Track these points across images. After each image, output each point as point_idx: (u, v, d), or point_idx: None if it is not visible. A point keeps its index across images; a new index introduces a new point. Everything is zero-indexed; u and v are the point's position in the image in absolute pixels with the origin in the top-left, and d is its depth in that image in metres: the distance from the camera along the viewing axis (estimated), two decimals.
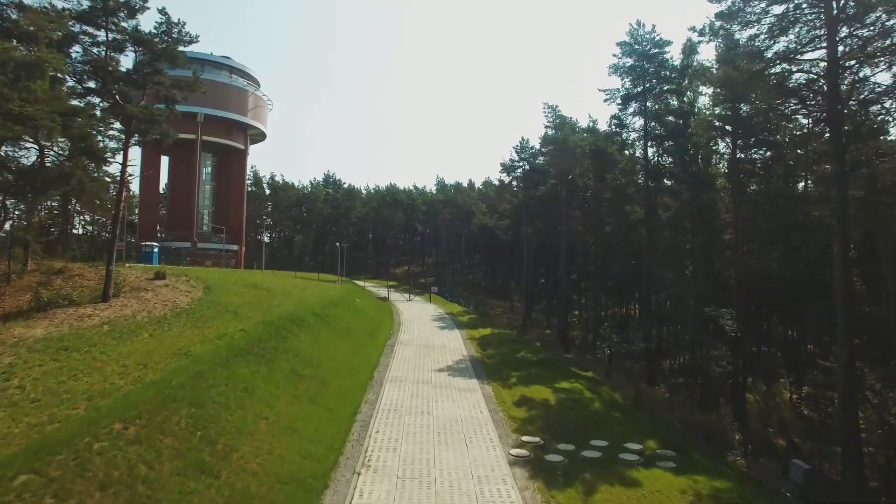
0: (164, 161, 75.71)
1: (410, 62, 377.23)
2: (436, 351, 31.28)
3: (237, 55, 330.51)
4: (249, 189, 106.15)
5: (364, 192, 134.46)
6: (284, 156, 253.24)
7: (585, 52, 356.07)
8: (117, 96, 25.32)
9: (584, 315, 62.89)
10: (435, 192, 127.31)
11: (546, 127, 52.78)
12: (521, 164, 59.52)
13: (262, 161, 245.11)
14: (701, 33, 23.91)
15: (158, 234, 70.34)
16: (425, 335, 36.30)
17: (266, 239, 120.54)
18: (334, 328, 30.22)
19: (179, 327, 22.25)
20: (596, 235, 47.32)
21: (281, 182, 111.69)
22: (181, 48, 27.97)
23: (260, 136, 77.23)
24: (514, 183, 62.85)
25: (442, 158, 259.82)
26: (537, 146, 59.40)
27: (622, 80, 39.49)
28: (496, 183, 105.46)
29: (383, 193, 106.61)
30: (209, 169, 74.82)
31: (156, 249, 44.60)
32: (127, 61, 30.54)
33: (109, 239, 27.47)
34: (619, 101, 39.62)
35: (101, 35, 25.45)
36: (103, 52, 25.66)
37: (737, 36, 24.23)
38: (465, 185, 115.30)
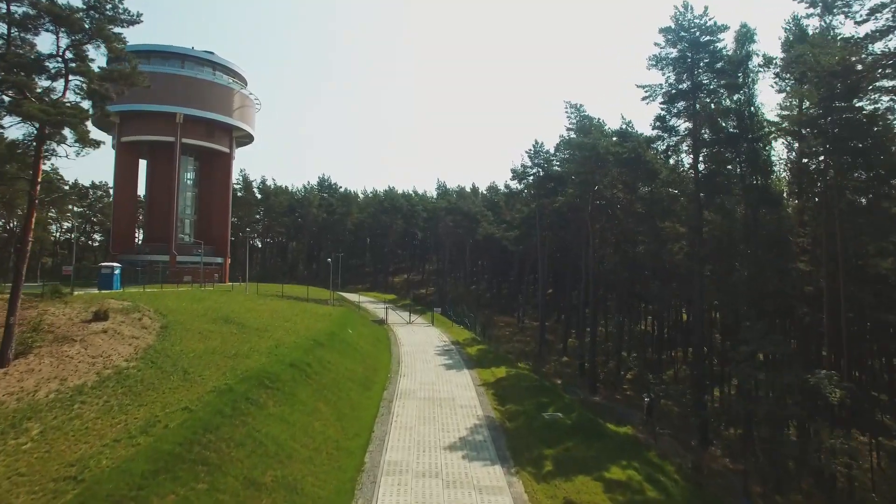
0: (144, 165, 69.74)
1: (411, 60, 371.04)
2: (444, 408, 25.23)
3: (229, 54, 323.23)
4: (239, 194, 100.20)
5: (361, 196, 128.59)
6: (278, 159, 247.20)
7: (609, 42, 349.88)
8: (24, 90, 19.08)
9: (604, 331, 56.80)
10: (436, 197, 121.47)
11: (568, 129, 46.81)
12: (534, 169, 53.51)
13: (254, 164, 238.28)
14: (812, 4, 17.91)
15: (137, 247, 64.26)
16: (430, 381, 30.24)
17: (259, 244, 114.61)
18: (317, 384, 24.14)
19: (96, 410, 16.21)
20: (623, 253, 41.23)
21: (273, 186, 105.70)
22: (117, 29, 21.70)
23: (247, 139, 71.10)
24: (526, 190, 56.58)
25: (443, 161, 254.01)
26: (552, 150, 53.54)
27: (664, 73, 33.45)
28: (502, 189, 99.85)
29: (381, 198, 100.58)
30: (191, 174, 68.72)
31: (117, 271, 38.43)
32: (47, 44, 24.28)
33: (14, 264, 21.12)
34: (661, 99, 33.56)
35: (3, 6, 19.32)
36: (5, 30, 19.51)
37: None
38: (468, 189, 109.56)
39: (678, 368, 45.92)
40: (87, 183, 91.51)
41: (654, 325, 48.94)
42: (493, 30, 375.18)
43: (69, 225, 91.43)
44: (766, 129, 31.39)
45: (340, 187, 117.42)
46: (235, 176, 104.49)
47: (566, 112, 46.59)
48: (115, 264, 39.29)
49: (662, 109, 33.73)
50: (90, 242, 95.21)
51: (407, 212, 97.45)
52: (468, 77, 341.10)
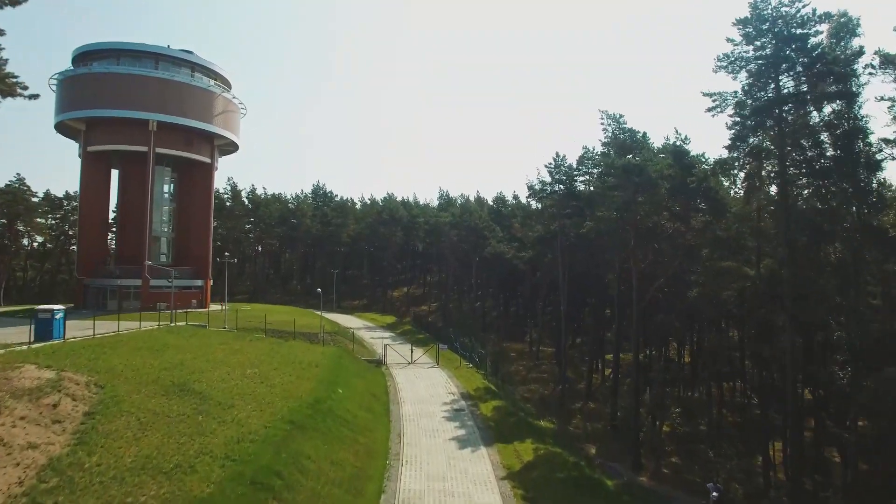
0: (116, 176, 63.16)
1: (411, 61, 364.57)
2: None
3: (216, 55, 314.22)
4: (227, 203, 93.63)
5: (359, 204, 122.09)
6: (271, 164, 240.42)
7: (637, 39, 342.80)
8: None
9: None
10: (437, 205, 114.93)
11: (604, 144, 39.98)
12: (554, 186, 46.88)
13: (245, 171, 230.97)
14: None
15: (106, 270, 57.58)
16: (439, 472, 23.58)
17: (246, 254, 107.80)
18: None
19: None
20: (667, 292, 34.64)
21: (264, 196, 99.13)
22: None
23: (231, 147, 64.49)
24: (545, 209, 49.70)
25: (446, 164, 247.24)
26: (574, 164, 46.87)
27: (737, 78, 26.81)
28: (510, 200, 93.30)
29: (379, 209, 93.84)
30: (169, 186, 62.09)
31: (58, 315, 31.72)
32: None
33: None
34: (733, 109, 26.95)
35: None
36: None
37: None
38: (472, 198, 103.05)
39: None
40: (60, 193, 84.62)
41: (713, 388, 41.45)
42: (501, 29, 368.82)
43: (41, 239, 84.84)
44: (878, 150, 24.70)
45: (336, 196, 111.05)
46: (223, 184, 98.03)
47: (602, 123, 39.72)
48: (56, 307, 32.57)
49: (736, 123, 27.08)
50: (63, 260, 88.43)
51: (407, 223, 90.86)
52: (473, 78, 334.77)
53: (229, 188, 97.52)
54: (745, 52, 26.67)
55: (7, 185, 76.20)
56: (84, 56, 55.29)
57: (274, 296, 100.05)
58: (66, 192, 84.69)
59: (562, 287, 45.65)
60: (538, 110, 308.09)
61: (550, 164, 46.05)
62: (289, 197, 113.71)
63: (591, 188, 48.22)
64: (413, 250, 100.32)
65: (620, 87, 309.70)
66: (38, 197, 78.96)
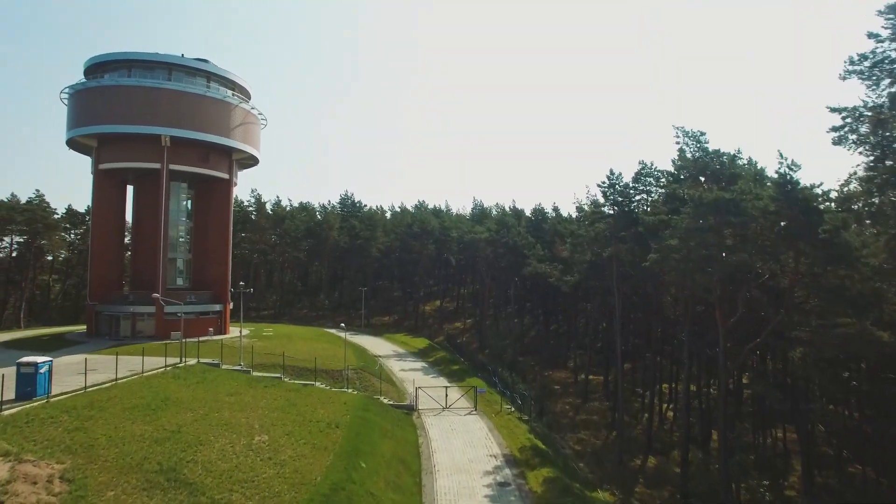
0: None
1: (440, 63, 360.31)
2: None
3: (234, 63, 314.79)
4: (251, 216, 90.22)
5: (388, 212, 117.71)
6: (296, 173, 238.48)
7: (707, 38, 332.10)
8: None
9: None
10: (470, 215, 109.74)
11: (680, 167, 33.81)
12: (607, 207, 41.03)
13: (266, 180, 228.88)
14: None
15: (120, 295, 54.05)
16: None
17: (285, 263, 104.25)
18: None
19: None
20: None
21: (289, 206, 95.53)
22: None
23: (251, 161, 60.47)
24: (595, 229, 43.80)
25: (478, 173, 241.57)
26: (629, 181, 41.03)
27: (877, 88, 20.61)
28: (549, 213, 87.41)
29: (410, 221, 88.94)
30: (186, 204, 58.36)
31: (43, 369, 27.58)
32: None
33: None
34: (871, 128, 20.83)
35: None
36: None
37: None
38: (507, 208, 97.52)
39: None
40: (82, 208, 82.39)
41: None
42: (544, 21, 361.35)
43: (65, 254, 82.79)
44: None
45: (364, 206, 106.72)
46: (247, 196, 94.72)
47: (677, 141, 33.50)
48: (43, 359, 28.39)
49: (875, 146, 20.95)
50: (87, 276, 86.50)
51: (439, 236, 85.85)
52: (508, 82, 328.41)
53: (254, 200, 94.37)
54: (891, 51, 20.53)
55: (28, 202, 74.22)
56: (96, 67, 51.83)
57: (300, 311, 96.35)
58: (88, 206, 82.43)
59: (616, 322, 39.87)
60: (582, 114, 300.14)
61: (604, 182, 40.12)
62: (316, 206, 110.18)
63: (648, 207, 42.30)
64: (446, 263, 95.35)
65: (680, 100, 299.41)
66: (58, 214, 76.82)
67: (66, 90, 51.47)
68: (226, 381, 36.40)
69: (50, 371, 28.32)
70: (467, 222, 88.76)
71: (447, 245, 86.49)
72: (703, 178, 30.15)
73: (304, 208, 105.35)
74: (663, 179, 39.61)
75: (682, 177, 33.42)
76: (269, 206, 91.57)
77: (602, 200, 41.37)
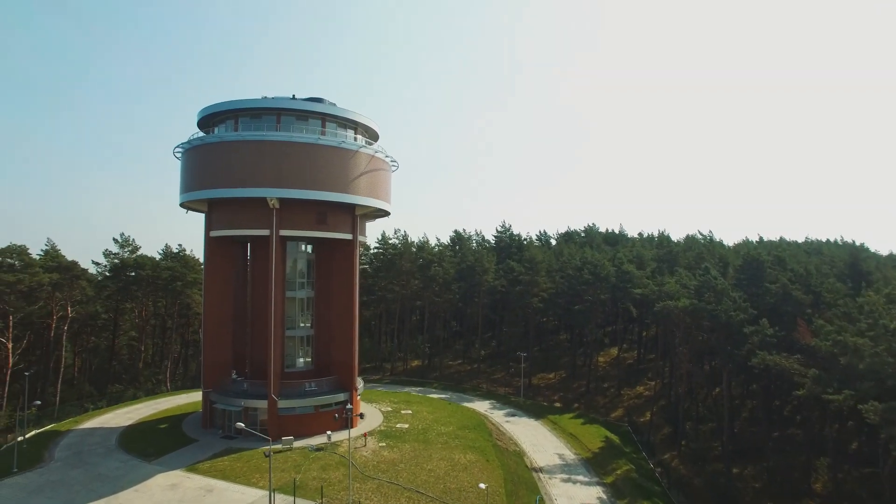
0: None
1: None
2: None
3: (357, 100, 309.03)
4: (394, 263, 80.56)
5: (553, 239, 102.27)
6: (432, 185, 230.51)
7: None
8: None
9: None
10: (657, 242, 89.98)
11: None
12: None
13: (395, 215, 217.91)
14: None
15: (232, 383, 46.37)
16: None
17: (434, 309, 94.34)
18: None
19: None
20: None
21: (436, 247, 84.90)
22: None
23: (379, 213, 49.85)
24: None
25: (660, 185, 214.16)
26: None
27: None
28: (790, 262, 64.74)
29: (579, 262, 72.51)
30: (305, 270, 49.26)
31: None
32: None
33: None
34: None
35: None
36: None
37: None
38: (709, 244, 76.68)
39: None
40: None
41: None
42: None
43: None
44: None
45: (524, 238, 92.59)
46: (390, 236, 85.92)
47: None
48: None
49: None
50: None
51: (615, 285, 68.59)
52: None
53: (380, 236, 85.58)
54: None
55: (177, 252, 73.09)
56: (207, 119, 44.99)
57: (454, 363, 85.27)
58: None
59: None
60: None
61: None
62: (473, 239, 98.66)
63: None
64: (626, 313, 77.48)
65: None
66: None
67: (179, 148, 45.20)
68: None
69: None
70: (656, 278, 68.80)
71: (626, 293, 68.84)
72: None
73: (459, 242, 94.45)
74: None
75: None
76: (413, 246, 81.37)
77: None
